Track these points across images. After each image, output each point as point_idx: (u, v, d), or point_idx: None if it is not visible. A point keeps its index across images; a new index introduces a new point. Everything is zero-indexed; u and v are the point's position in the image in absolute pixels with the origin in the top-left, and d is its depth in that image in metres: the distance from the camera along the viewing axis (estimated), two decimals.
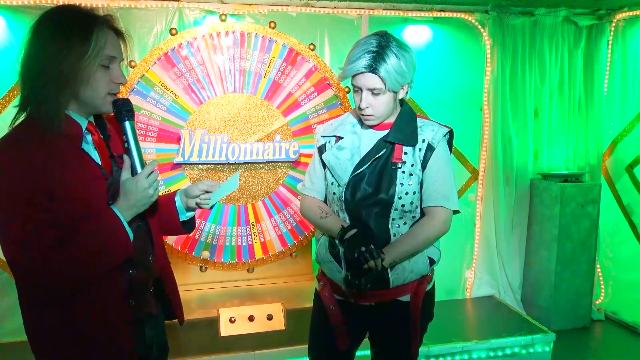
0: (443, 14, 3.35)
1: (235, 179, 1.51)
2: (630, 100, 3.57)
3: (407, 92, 1.69)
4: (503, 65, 3.43)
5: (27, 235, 1.21)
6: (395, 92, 1.64)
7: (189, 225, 1.62)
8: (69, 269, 1.25)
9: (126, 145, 1.36)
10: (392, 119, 1.72)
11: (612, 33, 3.61)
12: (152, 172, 1.34)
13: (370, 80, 1.58)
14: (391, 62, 1.56)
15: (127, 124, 1.35)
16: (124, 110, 1.33)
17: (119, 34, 1.35)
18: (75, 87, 1.26)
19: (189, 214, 1.59)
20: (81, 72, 1.25)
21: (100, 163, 1.36)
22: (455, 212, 1.73)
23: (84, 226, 1.27)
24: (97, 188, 1.32)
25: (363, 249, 1.54)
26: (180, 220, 1.57)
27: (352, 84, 1.65)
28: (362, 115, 1.67)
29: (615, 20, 3.57)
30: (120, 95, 1.41)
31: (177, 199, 1.56)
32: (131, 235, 1.32)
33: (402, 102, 1.75)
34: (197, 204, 1.54)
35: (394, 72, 1.56)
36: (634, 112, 3.55)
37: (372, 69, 1.56)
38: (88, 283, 1.30)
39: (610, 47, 3.63)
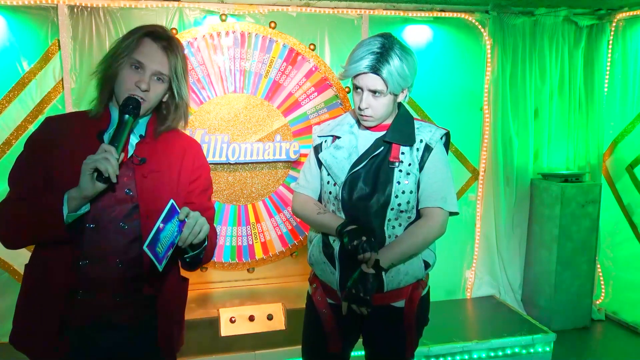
0: (443, 14, 3.35)
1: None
2: (630, 100, 3.57)
3: (406, 96, 1.68)
4: (503, 65, 3.43)
5: (10, 180, 1.43)
6: (396, 95, 1.64)
7: (196, 261, 1.49)
8: (7, 221, 1.38)
9: (114, 133, 1.36)
10: (389, 121, 1.72)
11: (612, 33, 3.61)
12: (105, 151, 1.28)
13: (372, 81, 1.58)
14: (394, 64, 1.55)
15: (125, 116, 1.37)
16: (130, 105, 1.38)
17: (165, 48, 1.43)
18: (111, 82, 1.42)
19: (196, 251, 1.43)
20: (111, 67, 1.41)
21: None
22: (454, 213, 1.71)
23: (36, 193, 1.38)
24: None
25: (364, 238, 1.54)
26: (186, 258, 1.45)
27: (353, 84, 1.64)
28: (361, 115, 1.66)
29: (615, 20, 3.57)
30: None
31: None
32: (64, 216, 1.30)
33: (399, 105, 1.75)
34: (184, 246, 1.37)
35: (397, 74, 1.56)
36: (634, 112, 3.55)
37: (375, 70, 1.55)
38: (20, 243, 1.41)
39: (610, 47, 3.63)
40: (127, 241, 1.43)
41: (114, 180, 1.30)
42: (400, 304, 1.73)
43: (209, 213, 1.55)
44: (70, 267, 1.39)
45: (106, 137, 1.43)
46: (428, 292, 1.82)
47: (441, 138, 1.72)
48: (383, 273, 1.64)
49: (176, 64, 1.45)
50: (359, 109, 1.64)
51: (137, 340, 1.50)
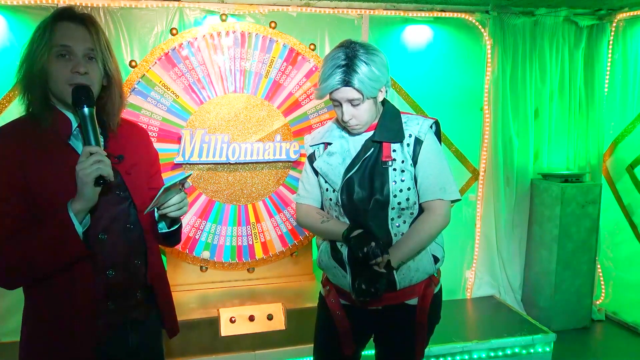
0: (443, 14, 3.35)
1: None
2: (630, 101, 3.57)
3: (386, 92, 1.68)
4: (503, 66, 3.43)
5: None
6: (375, 97, 1.64)
7: (172, 239, 1.57)
8: (18, 261, 1.27)
9: (84, 133, 1.30)
10: (376, 120, 1.72)
11: (612, 33, 3.61)
12: (92, 154, 1.26)
13: (347, 93, 1.58)
14: (362, 71, 1.55)
15: (84, 110, 1.29)
16: (81, 97, 1.29)
17: (83, 23, 1.34)
18: (42, 81, 1.31)
19: (173, 227, 1.53)
20: (38, 64, 1.30)
21: None
22: (456, 200, 1.72)
23: (39, 221, 1.29)
24: (75, 181, 1.30)
25: (373, 244, 1.54)
26: (160, 232, 1.52)
27: (331, 99, 1.65)
28: (348, 126, 1.67)
29: (615, 20, 3.57)
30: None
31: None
32: (79, 230, 1.28)
33: (383, 101, 1.74)
34: (161, 212, 1.46)
35: (368, 80, 1.56)
36: (634, 112, 3.55)
37: (346, 83, 1.56)
38: (42, 276, 1.32)
39: (610, 47, 3.63)
40: (136, 238, 1.45)
41: (112, 179, 1.30)
42: (413, 301, 1.73)
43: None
44: (94, 282, 1.36)
45: (74, 142, 1.37)
46: (440, 290, 1.83)
47: (431, 127, 1.72)
48: (394, 272, 1.65)
49: (99, 37, 1.36)
50: (343, 121, 1.65)
51: (152, 331, 1.56)
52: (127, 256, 1.43)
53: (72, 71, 1.31)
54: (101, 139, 1.36)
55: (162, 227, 1.52)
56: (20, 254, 1.27)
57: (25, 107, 1.36)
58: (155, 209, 1.45)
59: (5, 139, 1.31)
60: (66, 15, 1.34)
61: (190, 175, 1.39)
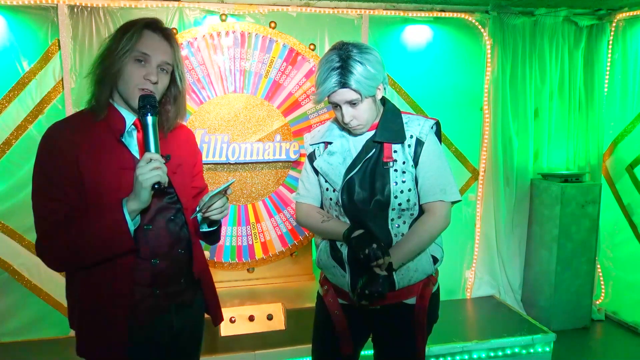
0: (443, 14, 3.35)
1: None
2: (630, 100, 3.57)
3: (384, 89, 1.68)
4: (503, 66, 3.44)
5: (43, 209, 1.37)
6: (373, 96, 1.64)
7: (212, 237, 1.68)
8: (67, 248, 1.36)
9: (145, 139, 1.39)
10: (377, 119, 1.71)
11: (612, 33, 3.61)
12: (151, 160, 1.34)
13: (344, 94, 1.58)
14: (358, 71, 1.55)
15: (148, 118, 1.38)
16: (147, 105, 1.38)
17: (166, 37, 1.46)
18: (113, 79, 1.41)
19: (213, 227, 1.64)
20: (115, 64, 1.39)
21: (138, 157, 1.46)
22: (456, 201, 1.72)
23: (90, 211, 1.37)
24: (126, 177, 1.39)
25: (374, 245, 1.54)
26: (201, 231, 1.63)
27: (329, 102, 1.64)
28: (350, 127, 1.67)
29: (615, 20, 3.57)
30: None
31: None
32: (131, 229, 1.36)
33: (383, 101, 1.74)
34: (205, 216, 1.55)
35: (364, 79, 1.56)
36: (634, 112, 3.55)
37: (343, 84, 1.56)
38: (87, 264, 1.40)
39: (610, 47, 3.63)
40: (178, 229, 1.55)
41: (167, 185, 1.39)
42: (411, 300, 1.73)
43: (207, 191, 1.70)
44: (136, 271, 1.45)
45: (126, 139, 1.46)
46: (438, 289, 1.83)
47: (432, 128, 1.72)
48: (393, 272, 1.65)
49: (177, 51, 1.50)
50: (344, 123, 1.65)
51: (196, 317, 1.68)
52: (170, 246, 1.52)
53: (145, 78, 1.41)
54: None
55: (203, 227, 1.63)
56: (71, 241, 1.35)
57: (88, 100, 1.45)
58: (199, 213, 1.56)
59: (65, 131, 1.41)
60: (153, 26, 1.45)
61: (234, 182, 1.47)
